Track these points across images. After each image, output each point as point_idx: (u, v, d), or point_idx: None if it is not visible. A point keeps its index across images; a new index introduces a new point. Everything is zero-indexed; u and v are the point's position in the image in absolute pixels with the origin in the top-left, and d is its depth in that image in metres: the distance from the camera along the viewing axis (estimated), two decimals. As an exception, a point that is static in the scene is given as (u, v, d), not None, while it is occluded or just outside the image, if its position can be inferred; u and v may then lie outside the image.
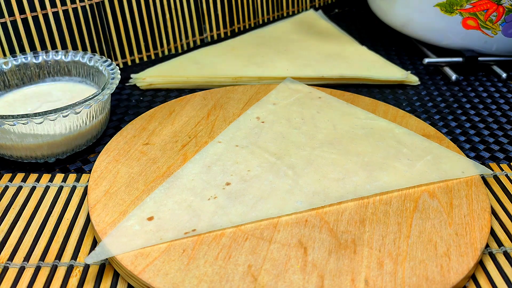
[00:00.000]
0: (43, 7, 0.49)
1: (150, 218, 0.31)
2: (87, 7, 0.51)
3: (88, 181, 0.36)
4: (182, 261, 0.28)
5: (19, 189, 0.36)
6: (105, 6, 0.52)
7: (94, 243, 0.32)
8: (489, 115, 0.49)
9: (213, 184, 0.34)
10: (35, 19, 0.49)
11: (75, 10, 0.51)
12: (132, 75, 0.53)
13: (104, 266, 0.30)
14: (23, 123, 0.35)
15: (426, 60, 0.56)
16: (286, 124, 0.42)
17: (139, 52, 0.57)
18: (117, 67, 0.42)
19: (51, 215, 0.34)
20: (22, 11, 0.48)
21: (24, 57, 0.44)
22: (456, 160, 0.38)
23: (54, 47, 0.51)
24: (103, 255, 0.28)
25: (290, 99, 0.46)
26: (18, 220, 0.33)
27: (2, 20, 0.47)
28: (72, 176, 0.38)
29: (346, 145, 0.39)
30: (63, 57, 0.45)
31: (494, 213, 0.35)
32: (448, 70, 0.56)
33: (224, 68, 0.54)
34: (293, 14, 0.71)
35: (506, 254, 0.32)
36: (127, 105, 0.49)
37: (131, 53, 0.56)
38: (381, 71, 0.54)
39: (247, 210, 0.32)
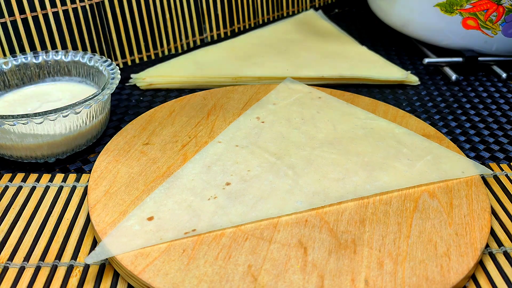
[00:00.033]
0: (43, 7, 0.49)
1: (150, 218, 0.31)
2: (87, 7, 0.51)
3: (88, 181, 0.36)
4: (182, 261, 0.28)
5: (19, 189, 0.36)
6: (105, 6, 0.52)
7: (94, 243, 0.32)
8: (489, 115, 0.49)
9: (213, 184, 0.34)
10: (35, 19, 0.49)
11: (75, 10, 0.51)
12: (132, 75, 0.53)
13: (104, 266, 0.30)
14: (23, 123, 0.35)
15: (426, 60, 0.56)
16: (286, 124, 0.42)
17: (139, 52, 0.57)
18: (117, 67, 0.43)
19: (51, 215, 0.34)
20: (22, 11, 0.48)
21: (24, 57, 0.44)
22: (456, 160, 0.38)
23: (54, 47, 0.51)
24: (103, 255, 0.28)
25: (290, 99, 0.46)
26: (18, 220, 0.33)
27: (2, 20, 0.47)
28: (72, 176, 0.38)
29: (346, 145, 0.39)
30: (63, 57, 0.45)
31: (494, 213, 0.35)
32: (448, 70, 0.56)
33: (224, 68, 0.54)
34: (293, 14, 0.72)
35: (506, 254, 0.32)
36: (127, 105, 0.49)
37: (131, 53, 0.56)
38: (381, 71, 0.54)
39: (247, 210, 0.32)
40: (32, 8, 0.48)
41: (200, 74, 0.52)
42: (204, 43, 0.62)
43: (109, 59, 0.43)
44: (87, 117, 0.38)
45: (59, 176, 0.38)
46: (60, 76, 0.46)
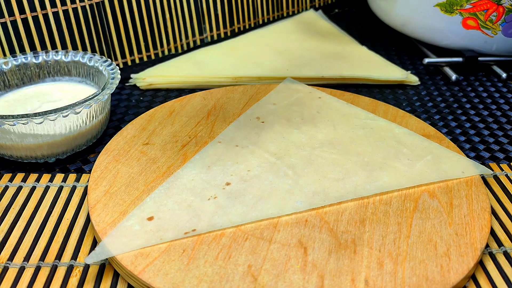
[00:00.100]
0: (43, 7, 0.49)
1: (150, 218, 0.31)
2: (87, 7, 0.51)
3: (88, 181, 0.36)
4: (182, 261, 0.28)
5: (19, 189, 0.36)
6: (105, 6, 0.52)
7: (94, 243, 0.32)
8: (489, 115, 0.49)
9: (213, 184, 0.34)
10: (35, 19, 0.49)
11: (75, 10, 0.51)
12: (132, 75, 0.53)
13: (104, 266, 0.30)
14: (23, 123, 0.35)
15: (426, 60, 0.56)
16: (286, 124, 0.42)
17: (139, 52, 0.57)
18: (117, 67, 0.42)
19: (51, 215, 0.34)
20: (22, 11, 0.48)
21: (24, 57, 0.44)
22: (456, 160, 0.38)
23: (54, 47, 0.51)
24: (103, 255, 0.28)
25: (290, 99, 0.46)
26: (18, 220, 0.33)
27: (2, 20, 0.47)
28: (72, 176, 0.38)
29: (346, 145, 0.39)
30: (63, 57, 0.45)
31: (494, 213, 0.35)
32: (448, 70, 0.56)
33: (224, 68, 0.54)
34: (293, 14, 0.72)
35: (506, 254, 0.32)
36: (127, 105, 0.49)
37: (131, 53, 0.56)
38: (381, 71, 0.54)
39: (247, 210, 0.32)
40: (32, 8, 0.48)
41: (200, 74, 0.52)
42: (204, 43, 0.62)
43: (109, 59, 0.43)
44: (87, 117, 0.38)
45: (59, 176, 0.38)
46: (60, 76, 0.46)
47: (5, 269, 0.30)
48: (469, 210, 0.33)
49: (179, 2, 0.58)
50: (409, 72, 0.55)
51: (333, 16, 0.74)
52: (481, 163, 0.40)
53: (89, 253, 0.31)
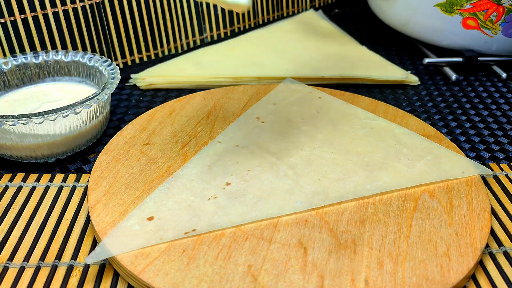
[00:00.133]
0: (43, 7, 0.49)
1: (150, 218, 0.31)
2: (87, 7, 0.51)
3: (88, 181, 0.36)
4: (182, 261, 0.28)
5: (19, 189, 0.36)
6: (105, 6, 0.52)
7: (94, 243, 0.32)
8: (489, 115, 0.49)
9: (213, 184, 0.34)
10: (35, 19, 0.49)
11: (75, 10, 0.51)
12: (132, 75, 0.53)
13: (104, 266, 0.30)
14: (23, 123, 0.35)
15: (426, 60, 0.56)
16: (286, 124, 0.42)
17: (139, 52, 0.57)
18: (117, 67, 0.43)
19: (51, 215, 0.34)
20: (22, 11, 0.48)
21: (24, 57, 0.44)
22: (456, 160, 0.38)
23: (54, 47, 0.51)
24: (103, 255, 0.28)
25: (290, 99, 0.46)
26: (18, 220, 0.33)
27: (2, 20, 0.47)
28: (72, 176, 0.38)
29: (346, 145, 0.39)
30: (63, 57, 0.45)
31: (494, 213, 0.35)
32: (448, 70, 0.56)
33: (224, 68, 0.54)
34: (293, 14, 0.71)
35: (506, 254, 0.32)
36: (127, 105, 0.49)
37: (131, 53, 0.56)
38: (381, 71, 0.54)
39: (247, 210, 0.32)
40: (32, 8, 0.48)
41: (200, 74, 0.52)
42: (204, 43, 0.62)
43: (109, 59, 0.43)
44: (87, 117, 0.38)
45: (59, 176, 0.38)
46: (60, 76, 0.46)
47: (5, 269, 0.30)
48: (469, 210, 0.33)
49: (179, 2, 0.58)
50: (409, 72, 0.55)
51: (333, 16, 0.74)
52: (481, 163, 0.40)
53: (89, 253, 0.31)
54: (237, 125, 0.42)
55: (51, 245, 0.32)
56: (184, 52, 0.60)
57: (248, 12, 0.66)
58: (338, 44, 0.60)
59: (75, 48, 0.52)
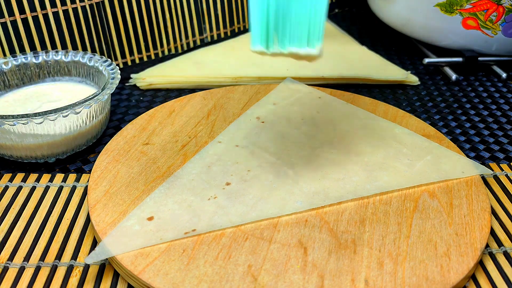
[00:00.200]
0: (43, 7, 0.49)
1: (150, 218, 0.31)
2: (87, 7, 0.51)
3: (88, 181, 0.36)
4: (182, 261, 0.28)
5: (19, 189, 0.36)
6: (105, 6, 0.52)
7: (94, 243, 0.32)
8: (489, 115, 0.49)
9: (213, 184, 0.34)
10: (35, 19, 0.49)
11: (75, 10, 0.51)
12: (132, 75, 0.53)
13: (104, 266, 0.30)
14: (23, 123, 0.35)
15: (426, 60, 0.56)
16: (286, 124, 0.42)
17: (139, 52, 0.57)
18: (117, 67, 0.42)
19: (51, 215, 0.34)
20: (22, 11, 0.48)
21: (24, 57, 0.44)
22: (456, 160, 0.38)
23: (54, 47, 0.51)
24: (103, 255, 0.28)
25: (290, 99, 0.46)
26: (18, 220, 0.33)
27: (2, 20, 0.47)
28: (72, 176, 0.38)
29: (346, 145, 0.39)
30: (63, 57, 0.45)
31: (494, 213, 0.35)
32: (448, 70, 0.56)
33: (224, 68, 0.54)
34: (293, 14, 0.71)
35: (506, 254, 0.32)
36: (127, 105, 0.49)
37: (131, 53, 0.56)
38: (381, 71, 0.54)
39: (247, 210, 0.32)
40: (32, 8, 0.48)
41: (200, 74, 0.52)
42: (204, 43, 0.62)
43: (109, 59, 0.43)
44: (87, 117, 0.38)
45: (59, 176, 0.38)
46: (60, 76, 0.46)
47: (5, 269, 0.30)
48: (469, 210, 0.33)
49: (179, 2, 0.58)
50: (409, 72, 0.55)
51: (333, 16, 0.74)
52: (481, 163, 0.40)
53: (89, 253, 0.31)
54: (237, 125, 0.42)
55: (51, 245, 0.32)
56: (184, 52, 0.60)
57: (248, 12, 0.66)
58: (338, 44, 0.60)
59: (75, 48, 0.52)
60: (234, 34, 0.64)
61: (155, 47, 0.58)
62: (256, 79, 0.52)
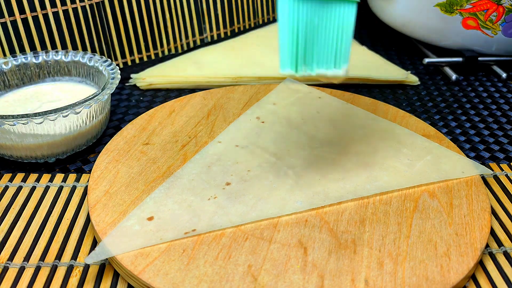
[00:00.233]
0: (43, 7, 0.49)
1: (150, 218, 0.31)
2: (87, 7, 0.51)
3: (88, 181, 0.36)
4: (182, 261, 0.28)
5: (19, 189, 0.36)
6: (105, 6, 0.52)
7: (94, 243, 0.32)
8: (489, 115, 0.49)
9: (213, 184, 0.34)
10: (35, 19, 0.49)
11: (75, 10, 0.51)
12: (132, 75, 0.53)
13: (104, 266, 0.30)
14: (23, 123, 0.35)
15: (426, 60, 0.56)
16: (286, 124, 0.42)
17: (139, 52, 0.57)
18: (117, 67, 0.43)
19: (51, 215, 0.34)
20: (22, 11, 0.48)
21: (24, 57, 0.44)
22: (456, 160, 0.38)
23: (54, 47, 0.51)
24: (103, 255, 0.28)
25: (290, 99, 0.46)
26: (18, 220, 0.33)
27: (2, 20, 0.47)
28: (72, 176, 0.38)
29: (346, 145, 0.39)
30: (63, 57, 0.45)
31: (494, 213, 0.35)
32: (448, 70, 0.56)
33: (224, 68, 0.54)
34: (293, 14, 0.71)
35: (506, 254, 0.32)
36: (127, 105, 0.49)
37: (131, 53, 0.56)
38: (381, 71, 0.54)
39: (247, 210, 0.32)
40: (32, 8, 0.48)
41: (200, 74, 0.52)
42: (204, 43, 0.62)
43: (109, 59, 0.43)
44: (87, 117, 0.38)
45: (59, 176, 0.38)
46: (60, 76, 0.46)
47: (5, 269, 0.30)
48: (469, 210, 0.33)
49: (179, 2, 0.58)
50: (409, 72, 0.55)
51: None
52: (481, 163, 0.40)
53: (89, 253, 0.31)
54: (237, 125, 0.42)
55: (51, 245, 0.32)
56: (184, 52, 0.60)
57: (248, 12, 0.66)
58: (338, 44, 0.60)
59: (75, 48, 0.52)
60: (234, 34, 0.64)
61: (155, 47, 0.58)
62: (256, 79, 0.52)
